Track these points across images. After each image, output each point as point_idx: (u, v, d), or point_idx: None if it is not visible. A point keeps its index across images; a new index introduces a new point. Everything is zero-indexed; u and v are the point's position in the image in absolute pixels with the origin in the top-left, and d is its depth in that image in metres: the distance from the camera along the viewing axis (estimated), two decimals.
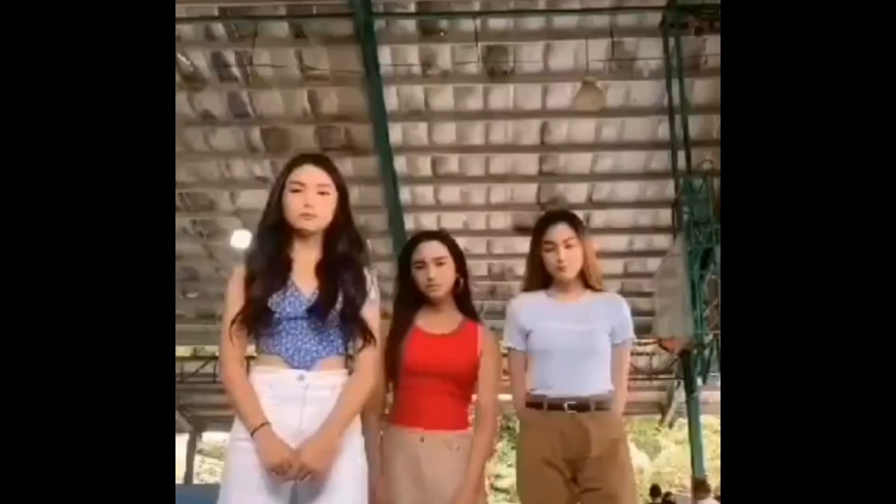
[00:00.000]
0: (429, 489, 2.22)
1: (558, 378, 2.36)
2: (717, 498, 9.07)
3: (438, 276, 2.37)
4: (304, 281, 2.04)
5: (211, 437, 21.54)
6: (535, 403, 2.39)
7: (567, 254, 2.41)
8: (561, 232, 2.43)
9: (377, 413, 2.35)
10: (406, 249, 2.48)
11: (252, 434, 1.91)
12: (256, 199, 11.30)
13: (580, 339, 2.38)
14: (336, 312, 2.02)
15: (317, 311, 2.00)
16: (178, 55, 9.40)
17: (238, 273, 2.06)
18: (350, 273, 2.06)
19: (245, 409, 1.95)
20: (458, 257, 2.44)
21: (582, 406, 2.34)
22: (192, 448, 17.38)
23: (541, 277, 2.49)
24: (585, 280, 2.47)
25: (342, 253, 2.09)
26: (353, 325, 2.04)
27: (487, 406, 2.35)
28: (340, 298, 2.02)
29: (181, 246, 11.68)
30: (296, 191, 2.06)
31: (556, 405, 2.35)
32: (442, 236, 2.48)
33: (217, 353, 16.05)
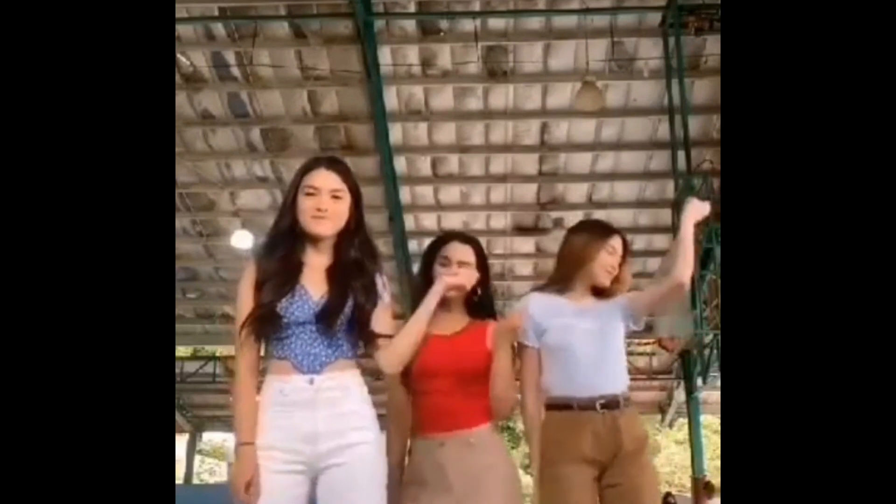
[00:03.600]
0: (457, 490, 2.20)
1: (584, 377, 2.36)
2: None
3: (465, 279, 2.34)
4: (314, 285, 2.05)
5: (211, 437, 21.56)
6: (564, 405, 2.37)
7: (619, 267, 2.50)
8: (621, 247, 2.52)
9: (401, 422, 2.35)
10: (434, 245, 2.46)
11: (236, 446, 1.97)
12: (256, 199, 11.34)
13: (598, 338, 2.40)
14: (345, 318, 2.02)
15: (325, 317, 2.01)
16: (178, 55, 9.39)
17: (248, 275, 2.07)
18: (361, 279, 2.07)
19: (238, 423, 2.00)
20: (482, 265, 2.42)
21: (612, 404, 2.35)
22: (192, 448, 17.39)
23: (573, 275, 2.50)
24: (597, 291, 2.51)
25: (354, 258, 2.10)
26: (361, 332, 2.05)
27: (503, 393, 2.30)
28: (350, 304, 2.03)
29: (181, 246, 11.68)
30: (309, 194, 2.07)
31: (586, 405, 2.34)
32: (474, 242, 2.45)
33: (217, 353, 16.12)
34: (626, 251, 2.54)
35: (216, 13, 9.43)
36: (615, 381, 2.39)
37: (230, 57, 9.81)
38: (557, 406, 2.39)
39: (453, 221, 11.47)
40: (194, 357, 16.63)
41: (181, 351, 16.20)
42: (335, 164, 2.14)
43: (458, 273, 2.31)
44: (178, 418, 15.65)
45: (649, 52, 9.68)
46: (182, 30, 9.25)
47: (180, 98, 9.87)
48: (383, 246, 11.36)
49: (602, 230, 2.56)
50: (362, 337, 2.06)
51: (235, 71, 9.94)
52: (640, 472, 2.34)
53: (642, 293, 2.55)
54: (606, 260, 2.48)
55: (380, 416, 2.15)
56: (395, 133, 10.49)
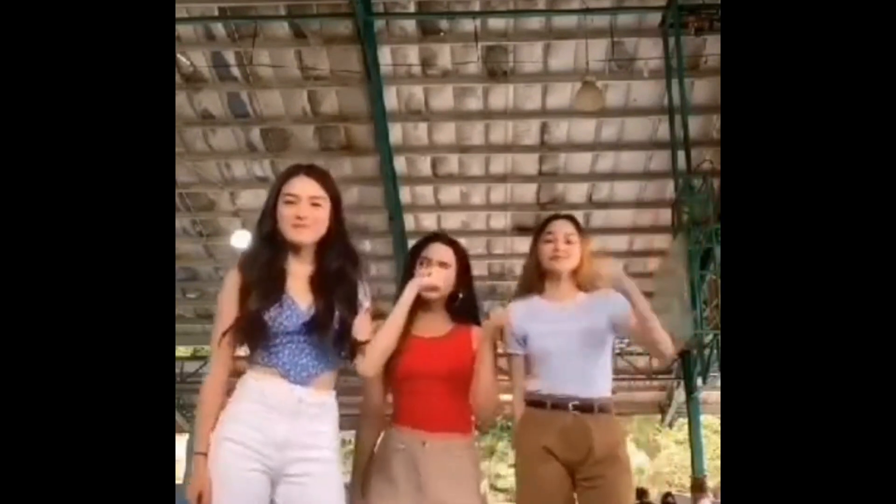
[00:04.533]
0: (428, 493, 2.19)
1: (561, 378, 2.36)
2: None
3: (437, 279, 2.35)
4: (300, 294, 2.05)
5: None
6: (538, 402, 2.39)
7: (565, 247, 2.46)
8: (563, 227, 2.49)
9: (374, 422, 2.35)
10: (416, 246, 2.47)
11: (193, 455, 1.98)
12: (256, 199, 11.28)
13: (578, 338, 2.38)
14: (334, 330, 2.03)
15: (316, 329, 2.01)
16: (178, 55, 9.39)
17: (231, 282, 2.06)
18: (342, 287, 2.07)
19: (198, 430, 2.01)
20: (464, 268, 2.42)
21: (585, 408, 2.34)
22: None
23: (536, 273, 2.51)
24: (579, 283, 2.50)
25: (336, 267, 2.10)
26: (346, 342, 2.06)
27: (487, 394, 2.31)
28: (336, 316, 2.03)
29: (181, 246, 11.67)
30: (289, 202, 2.07)
31: (559, 405, 2.35)
32: (455, 244, 2.46)
33: None
34: (578, 230, 2.50)
35: (216, 13, 9.42)
36: (593, 385, 2.38)
37: (230, 57, 9.81)
38: (532, 403, 2.41)
39: (453, 221, 11.47)
40: (194, 357, 16.60)
41: (181, 351, 16.18)
42: (314, 171, 2.14)
43: (432, 273, 2.30)
44: (178, 418, 15.62)
45: (649, 52, 9.67)
46: (182, 30, 9.24)
47: (180, 98, 9.86)
48: (383, 246, 11.37)
49: (541, 225, 2.56)
50: (347, 346, 2.06)
51: (235, 71, 9.94)
52: (617, 476, 2.34)
53: (629, 319, 2.36)
54: (546, 250, 2.48)
55: (352, 416, 2.14)
56: (395, 133, 10.48)
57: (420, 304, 2.35)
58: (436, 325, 2.38)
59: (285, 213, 2.07)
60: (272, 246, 2.09)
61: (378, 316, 2.22)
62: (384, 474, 2.24)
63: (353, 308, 2.07)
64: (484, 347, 2.32)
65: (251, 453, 1.95)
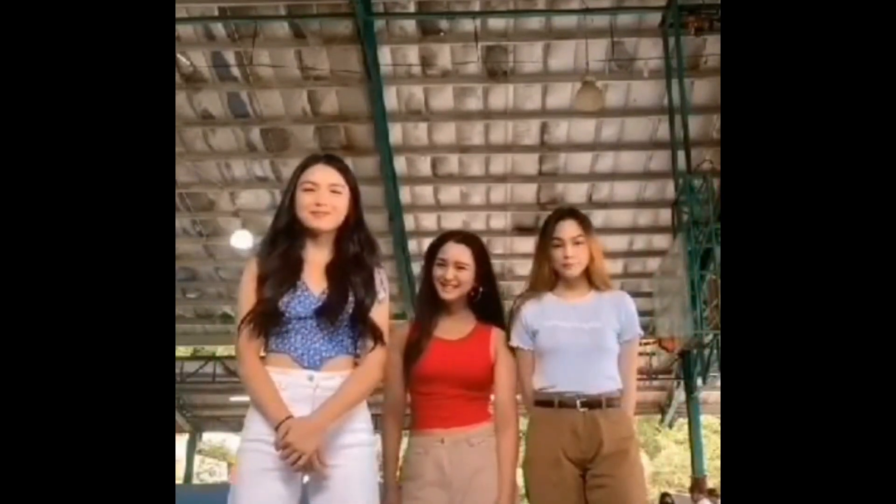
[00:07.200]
0: (454, 489, 2.23)
1: (568, 376, 2.35)
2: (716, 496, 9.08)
3: (455, 278, 2.37)
4: (315, 281, 2.05)
5: (210, 437, 21.59)
6: (546, 401, 2.38)
7: (574, 251, 2.43)
8: (569, 229, 2.45)
9: (396, 418, 2.37)
10: (433, 246, 2.47)
11: (277, 427, 1.92)
12: (256, 199, 11.35)
13: (588, 337, 2.38)
14: (346, 314, 2.02)
15: (326, 312, 2.01)
16: (178, 55, 9.40)
17: (250, 272, 2.06)
18: (360, 275, 2.07)
19: (267, 405, 1.95)
20: (482, 266, 2.42)
21: (593, 403, 2.34)
22: (191, 448, 17.40)
23: (547, 276, 2.48)
24: (590, 280, 2.49)
25: (353, 254, 2.10)
26: (362, 327, 2.05)
27: (506, 407, 2.35)
28: (350, 300, 2.03)
29: (181, 246, 11.69)
30: (308, 190, 2.08)
31: (567, 403, 2.35)
32: (473, 243, 2.45)
33: (216, 353, 16.13)
34: (584, 229, 2.45)
35: (216, 13, 9.44)
36: (601, 381, 2.37)
37: (230, 57, 9.82)
38: (541, 403, 2.40)
39: (453, 221, 11.48)
40: (194, 357, 16.64)
41: (181, 351, 16.22)
42: (333, 161, 2.16)
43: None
44: (178, 418, 15.66)
45: (649, 52, 9.69)
46: (182, 30, 9.26)
47: (180, 98, 9.88)
48: (383, 246, 11.35)
49: (548, 223, 2.51)
50: (362, 332, 2.05)
51: (235, 71, 9.95)
52: (629, 473, 2.32)
53: (623, 366, 2.42)
54: (556, 255, 2.45)
55: (374, 416, 2.15)
56: (395, 133, 10.50)
57: (441, 305, 2.39)
58: (457, 327, 2.39)
59: (304, 200, 2.07)
60: (290, 235, 2.09)
61: (393, 316, 2.23)
62: (412, 475, 2.27)
63: (370, 293, 2.06)
64: (506, 364, 2.37)
65: (276, 451, 1.94)
